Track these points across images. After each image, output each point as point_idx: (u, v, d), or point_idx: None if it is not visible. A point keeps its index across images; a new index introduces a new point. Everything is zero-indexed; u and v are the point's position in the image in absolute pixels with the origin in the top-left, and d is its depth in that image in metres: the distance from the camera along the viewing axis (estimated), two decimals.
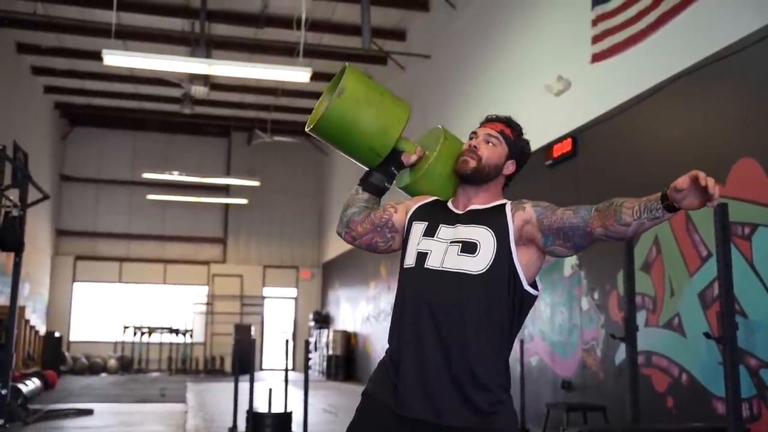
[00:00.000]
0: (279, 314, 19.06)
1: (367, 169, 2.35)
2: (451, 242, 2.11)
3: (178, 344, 17.58)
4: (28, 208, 7.01)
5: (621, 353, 5.66)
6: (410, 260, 2.14)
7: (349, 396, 11.66)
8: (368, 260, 13.80)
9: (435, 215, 2.20)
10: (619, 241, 2.09)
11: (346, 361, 15.26)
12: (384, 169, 2.31)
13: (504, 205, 2.16)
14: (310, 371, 6.62)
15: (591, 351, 6.28)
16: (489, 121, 2.26)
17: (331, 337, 15.80)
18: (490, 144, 2.19)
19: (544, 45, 7.33)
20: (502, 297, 2.05)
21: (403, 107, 2.28)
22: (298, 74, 9.44)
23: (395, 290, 2.22)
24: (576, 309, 6.57)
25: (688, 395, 5.01)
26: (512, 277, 2.06)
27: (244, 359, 10.02)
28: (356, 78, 2.22)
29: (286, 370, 6.69)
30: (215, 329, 18.08)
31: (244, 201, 17.99)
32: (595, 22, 6.37)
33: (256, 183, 16.79)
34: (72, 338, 17.37)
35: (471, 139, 2.24)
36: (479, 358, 2.02)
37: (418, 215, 2.22)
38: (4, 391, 6.38)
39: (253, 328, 17.21)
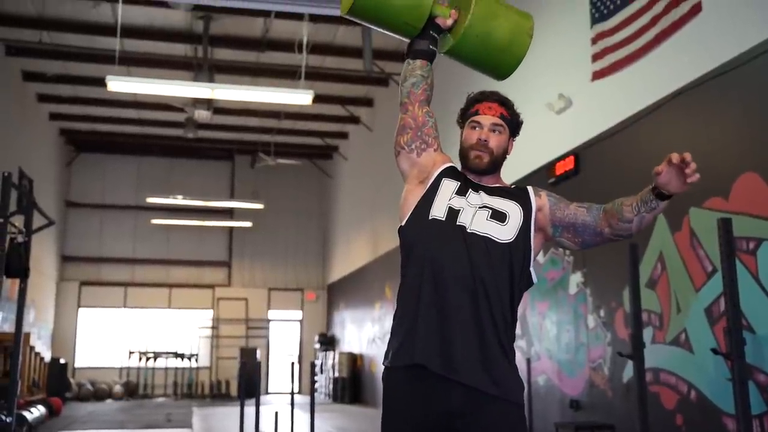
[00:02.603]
0: (284, 337, 19.00)
1: (408, 40, 2.41)
2: (479, 207, 2.17)
3: (183, 369, 17.51)
4: (33, 234, 7.02)
5: (628, 371, 5.62)
6: (439, 213, 2.17)
7: (355, 418, 11.58)
8: (373, 281, 13.77)
9: (464, 179, 2.26)
10: (627, 239, 2.18)
11: (352, 383, 15.18)
12: (424, 35, 2.37)
13: (527, 188, 2.27)
14: (316, 394, 6.59)
15: (598, 369, 6.24)
16: (483, 101, 2.30)
17: (336, 359, 15.73)
18: (497, 133, 2.26)
19: (545, 63, 7.36)
20: (518, 269, 2.13)
21: None
22: (300, 97, 9.50)
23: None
24: (582, 327, 6.53)
25: (698, 412, 4.97)
26: (527, 254, 2.15)
27: (250, 383, 9.98)
28: None
29: (292, 394, 6.67)
30: (221, 353, 18.03)
31: (248, 224, 18.01)
32: (594, 41, 6.41)
33: (260, 206, 16.81)
34: (77, 364, 17.32)
35: (474, 128, 2.27)
36: (503, 320, 2.07)
37: (449, 174, 2.28)
38: (9, 419, 6.34)
39: (258, 352, 17.15)
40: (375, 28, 2.43)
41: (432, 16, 2.33)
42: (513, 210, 2.17)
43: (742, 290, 3.98)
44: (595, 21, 6.42)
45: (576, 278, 6.68)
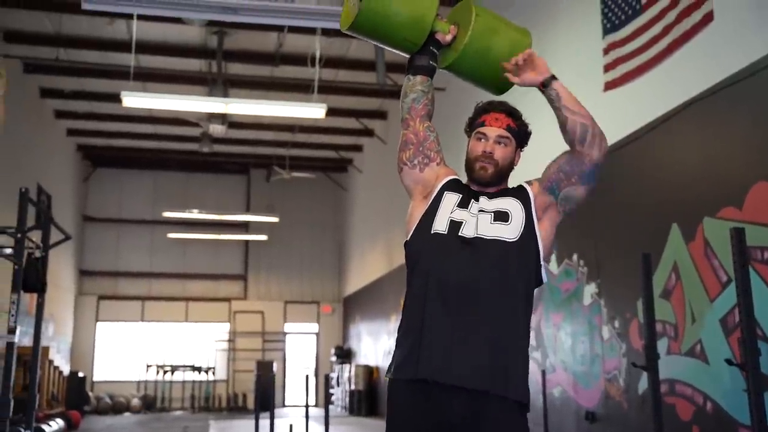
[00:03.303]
0: (301, 350, 19.02)
1: (408, 56, 2.42)
2: (481, 212, 2.18)
3: (200, 382, 17.57)
4: (50, 249, 7.11)
5: (644, 382, 5.58)
6: (441, 226, 2.18)
7: (371, 431, 11.55)
8: (388, 293, 13.77)
9: (466, 190, 2.28)
10: (596, 134, 2.27)
11: (368, 396, 15.16)
12: (424, 51, 2.38)
13: (521, 184, 2.30)
14: (332, 407, 6.61)
15: (614, 381, 6.20)
16: (490, 111, 2.31)
17: (353, 371, 15.72)
18: (502, 145, 2.27)
19: (557, 74, 7.36)
20: (531, 266, 2.15)
21: None
22: (313, 110, 9.56)
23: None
24: (597, 338, 6.50)
25: (714, 424, 4.92)
26: (536, 247, 2.17)
27: (265, 396, 9.99)
28: None
29: (307, 406, 6.67)
30: (237, 366, 18.07)
31: (263, 237, 18.08)
32: (606, 51, 6.40)
33: (275, 219, 16.88)
34: (95, 378, 17.43)
35: (480, 140, 2.27)
36: (511, 323, 2.07)
37: (451, 186, 2.29)
38: None
39: (275, 365, 17.18)
40: (375, 43, 2.45)
41: (432, 32, 2.35)
42: (513, 206, 2.19)
43: (757, 300, 3.94)
44: (606, 31, 6.42)
45: (590, 289, 6.65)
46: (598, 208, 6.56)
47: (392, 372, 2.13)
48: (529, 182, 2.27)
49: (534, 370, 7.24)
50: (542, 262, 2.17)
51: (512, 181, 2.41)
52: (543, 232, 2.19)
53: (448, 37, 2.37)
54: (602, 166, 2.21)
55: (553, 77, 2.20)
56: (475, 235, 2.12)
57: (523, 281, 2.11)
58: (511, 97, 2.53)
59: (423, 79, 2.37)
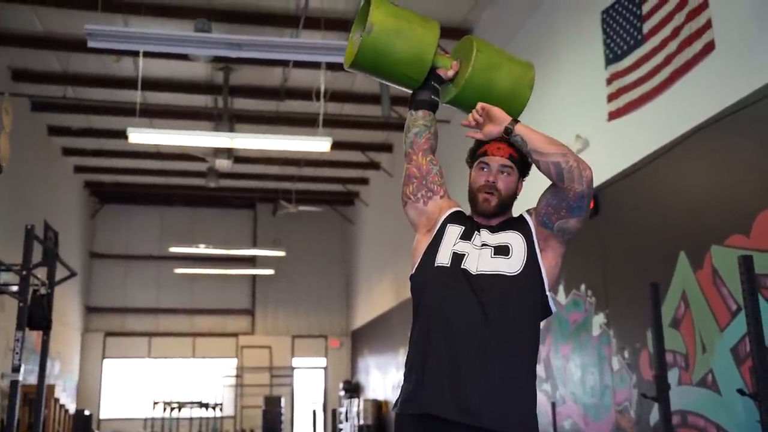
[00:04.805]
0: (309, 384, 18.86)
1: (410, 91, 2.43)
2: (482, 247, 2.16)
3: (208, 418, 17.40)
4: (56, 286, 7.09)
5: (656, 414, 5.49)
6: (444, 259, 2.16)
7: None
8: (397, 326, 13.68)
9: (470, 222, 2.26)
10: (566, 173, 2.13)
11: (377, 431, 14.98)
12: (426, 86, 2.37)
13: (522, 214, 2.26)
14: None
15: (624, 412, 6.10)
16: (492, 140, 2.29)
17: (361, 406, 15.56)
18: (505, 174, 2.25)
19: (562, 106, 7.38)
20: (535, 297, 2.11)
21: (433, 30, 2.33)
22: (318, 144, 9.59)
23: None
24: (607, 369, 6.42)
25: None
26: (540, 280, 2.14)
27: None
28: (384, 10, 2.27)
29: None
30: (245, 402, 17.92)
31: (270, 272, 18.05)
32: (609, 81, 6.43)
33: (282, 253, 16.86)
34: (102, 416, 17.31)
35: (482, 169, 2.26)
36: (520, 362, 2.04)
37: (454, 219, 2.28)
38: None
39: (283, 400, 17.02)
40: (378, 79, 2.46)
41: (433, 68, 2.35)
42: (515, 240, 2.16)
43: (767, 328, 3.89)
44: (609, 61, 6.45)
45: (599, 320, 6.59)
46: (605, 237, 6.52)
47: (399, 406, 2.10)
48: (529, 212, 2.26)
49: (544, 402, 7.14)
50: (548, 293, 2.14)
51: (515, 209, 2.40)
52: (547, 263, 2.16)
53: (450, 73, 2.37)
54: (589, 195, 2.16)
55: (515, 121, 2.15)
56: (477, 270, 2.11)
57: (526, 314, 2.09)
58: None
59: (425, 114, 2.37)
